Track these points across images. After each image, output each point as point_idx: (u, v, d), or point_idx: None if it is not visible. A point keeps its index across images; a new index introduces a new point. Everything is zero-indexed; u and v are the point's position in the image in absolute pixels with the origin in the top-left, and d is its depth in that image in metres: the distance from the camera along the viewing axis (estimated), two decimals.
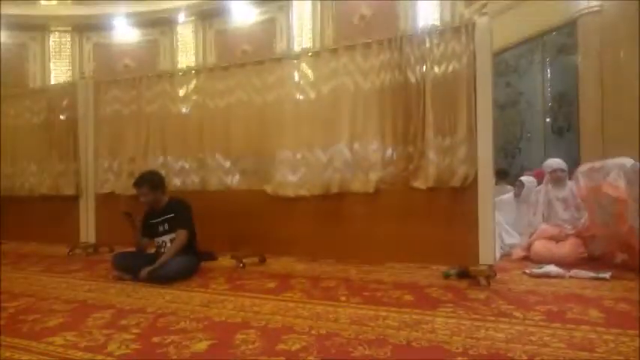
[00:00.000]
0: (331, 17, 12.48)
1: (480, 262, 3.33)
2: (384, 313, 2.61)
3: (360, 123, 3.84)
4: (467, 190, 3.43)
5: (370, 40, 3.85)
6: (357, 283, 3.38)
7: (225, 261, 4.17)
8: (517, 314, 2.56)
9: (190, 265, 3.66)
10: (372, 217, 3.78)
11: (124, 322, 2.58)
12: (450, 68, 3.53)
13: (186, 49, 15.62)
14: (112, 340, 2.28)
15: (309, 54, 4.24)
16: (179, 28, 15.90)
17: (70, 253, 4.88)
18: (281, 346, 2.14)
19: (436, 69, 3.58)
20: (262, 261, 4.20)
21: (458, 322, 2.45)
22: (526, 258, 4.26)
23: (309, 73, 4.13)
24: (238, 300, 2.98)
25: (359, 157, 3.83)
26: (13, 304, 3.02)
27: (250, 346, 2.16)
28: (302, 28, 12.73)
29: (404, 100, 3.67)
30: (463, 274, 3.39)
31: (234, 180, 4.38)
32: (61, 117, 5.28)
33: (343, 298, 2.96)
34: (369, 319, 2.52)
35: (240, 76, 4.38)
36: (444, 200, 3.54)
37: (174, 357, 2.07)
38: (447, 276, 3.45)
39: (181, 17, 15.90)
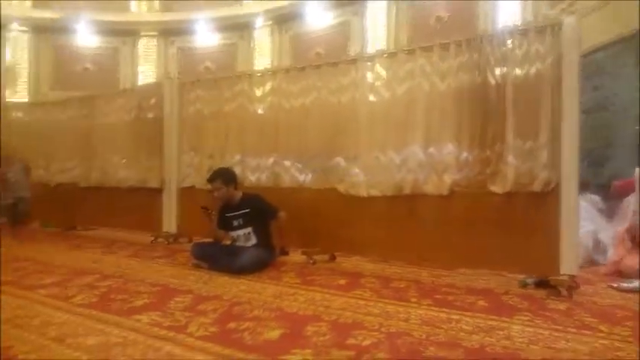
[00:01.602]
0: (406, 20, 12.38)
1: (562, 273, 3.17)
2: (456, 317, 2.56)
3: (435, 125, 3.78)
4: (548, 197, 3.28)
5: (448, 41, 3.78)
6: (428, 286, 3.33)
7: (295, 256, 4.27)
8: (602, 328, 2.41)
9: (265, 257, 3.79)
10: (444, 221, 3.70)
11: (202, 306, 2.73)
12: (533, 70, 3.38)
13: (263, 52, 16.13)
14: (192, 323, 2.42)
15: (385, 55, 4.24)
16: (256, 32, 16.47)
17: (154, 242, 5.22)
18: (351, 341, 2.17)
19: (518, 70, 3.44)
20: (332, 259, 4.25)
21: (535, 330, 2.35)
22: (616, 272, 3.98)
23: (384, 74, 4.13)
24: (309, 294, 3.04)
25: (433, 159, 3.76)
26: (105, 284, 3.29)
27: (321, 338, 2.21)
28: (376, 31, 12.72)
29: (482, 102, 3.56)
30: (542, 284, 3.24)
31: (306, 178, 4.47)
32: (149, 115, 5.63)
33: (414, 300, 2.94)
34: (441, 321, 2.49)
35: (315, 77, 4.47)
36: (522, 206, 3.40)
37: (249, 342, 2.16)
38: (523, 285, 3.31)
39: (259, 22, 16.45)
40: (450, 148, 3.69)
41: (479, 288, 3.29)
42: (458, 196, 3.65)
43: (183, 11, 16.82)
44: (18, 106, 10.40)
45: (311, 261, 4.08)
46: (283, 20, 16.11)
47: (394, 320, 2.50)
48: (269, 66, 14.27)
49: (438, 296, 3.03)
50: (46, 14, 16.88)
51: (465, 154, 3.64)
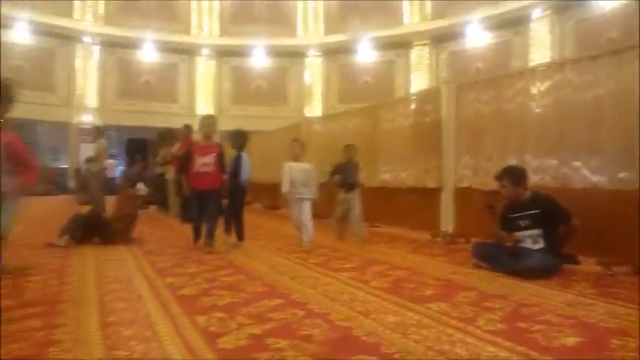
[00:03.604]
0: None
1: None
2: None
3: None
4: None
5: None
6: None
7: (588, 266, 3.84)
8: None
9: (552, 263, 3.54)
10: None
11: (487, 304, 2.76)
12: None
13: (540, 45, 14.95)
14: (480, 317, 2.48)
15: None
16: (532, 25, 15.36)
17: (432, 240, 5.47)
18: None
19: None
20: (638, 272, 3.66)
21: None
22: None
23: None
24: (609, 306, 2.72)
25: None
26: (395, 274, 3.65)
27: (631, 354, 1.97)
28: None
29: None
30: None
31: (602, 179, 3.97)
32: (427, 119, 5.94)
33: None
34: None
35: (611, 65, 3.94)
36: None
37: (543, 343, 2.09)
38: None
39: (536, 13, 15.30)
40: None
41: None
42: None
43: (454, 16, 16.98)
44: (314, 119, 12.37)
45: (609, 272, 3.61)
46: (564, 8, 14.61)
47: None
48: (547, 60, 13.14)
49: None
50: (335, 38, 19.47)
51: None
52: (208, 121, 5.00)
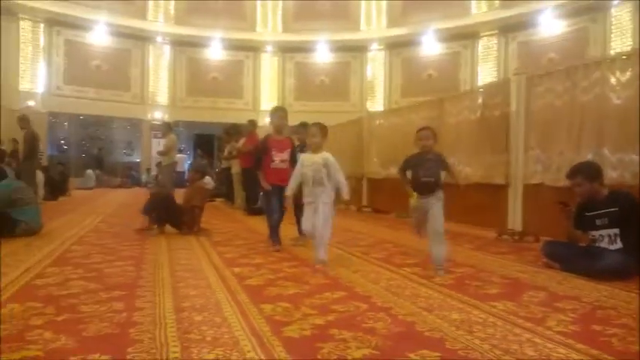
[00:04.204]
0: None
1: None
2: None
3: None
4: None
5: None
6: None
7: None
8: None
9: (631, 264, 3.31)
10: None
11: (558, 304, 2.65)
12: None
13: (622, 32, 13.94)
14: (550, 318, 2.39)
15: None
16: (614, 11, 14.36)
17: (498, 238, 5.30)
18: None
19: None
20: None
21: None
22: None
23: None
24: None
25: None
26: (459, 270, 3.58)
27: None
28: None
29: None
30: None
31: None
32: (495, 113, 5.74)
33: None
34: None
35: None
36: None
37: (619, 347, 1.99)
38: None
39: None
40: None
41: None
42: None
43: (524, 4, 16.22)
44: (378, 114, 12.23)
45: None
46: None
47: None
48: (629, 48, 12.26)
49: None
50: (398, 31, 19.20)
51: None
52: (280, 114, 4.72)
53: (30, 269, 3.43)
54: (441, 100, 7.05)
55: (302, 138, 5.19)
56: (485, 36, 17.81)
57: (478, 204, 5.84)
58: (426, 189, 3.59)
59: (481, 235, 5.53)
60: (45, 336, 2.06)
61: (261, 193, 4.52)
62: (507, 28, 17.26)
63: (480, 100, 6.05)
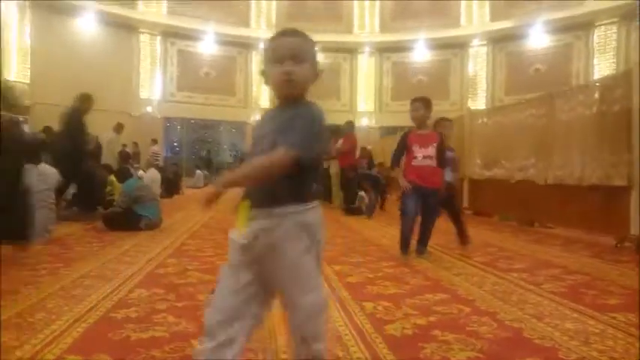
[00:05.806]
0: None
1: None
2: None
3: None
4: None
5: None
6: None
7: None
8: None
9: None
10: None
11: None
12: None
13: None
14: None
15: None
16: None
17: (618, 245, 4.85)
18: None
19: None
20: None
21: None
22: None
23: None
24: None
25: None
26: (571, 278, 3.36)
27: None
28: None
29: None
30: None
31: None
32: (614, 108, 5.24)
33: None
34: None
35: None
36: None
37: None
38: None
39: None
40: None
41: None
42: None
43: None
44: (480, 112, 11.75)
45: None
46: None
47: None
48: None
49: None
50: (502, 25, 18.24)
51: None
52: (415, 104, 4.16)
53: (152, 259, 3.80)
54: (551, 95, 6.58)
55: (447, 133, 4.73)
56: (603, 25, 16.27)
57: (593, 207, 5.38)
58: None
59: (596, 242, 5.11)
60: (168, 319, 2.29)
61: (402, 193, 4.04)
62: (630, 15, 15.61)
63: (596, 95, 5.57)
